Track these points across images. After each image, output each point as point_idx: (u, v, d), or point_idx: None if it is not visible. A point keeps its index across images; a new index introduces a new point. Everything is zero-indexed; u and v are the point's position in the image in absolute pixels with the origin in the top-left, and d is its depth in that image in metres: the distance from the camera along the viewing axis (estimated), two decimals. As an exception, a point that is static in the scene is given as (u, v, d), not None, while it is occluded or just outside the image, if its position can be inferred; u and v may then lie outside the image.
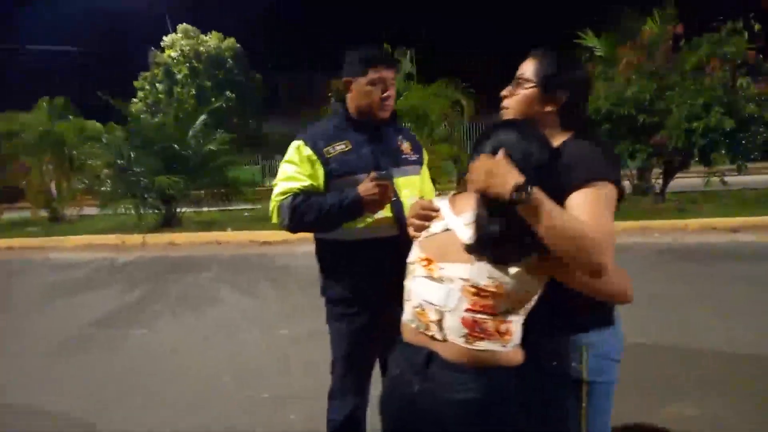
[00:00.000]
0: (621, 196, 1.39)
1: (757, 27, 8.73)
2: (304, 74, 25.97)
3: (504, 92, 1.57)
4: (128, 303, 5.88)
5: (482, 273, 1.26)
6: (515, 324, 1.30)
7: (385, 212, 2.00)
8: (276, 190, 2.05)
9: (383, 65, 2.02)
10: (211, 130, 11.55)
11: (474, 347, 1.27)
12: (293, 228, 2.02)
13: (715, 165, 9.31)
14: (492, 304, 1.26)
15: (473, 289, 1.27)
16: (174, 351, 4.34)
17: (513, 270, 1.25)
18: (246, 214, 12.19)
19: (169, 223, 10.95)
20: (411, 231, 1.48)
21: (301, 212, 1.96)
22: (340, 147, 2.03)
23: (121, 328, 4.98)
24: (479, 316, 1.26)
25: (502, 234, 1.25)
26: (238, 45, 23.44)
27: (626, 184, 10.77)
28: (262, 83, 24.52)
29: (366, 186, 1.90)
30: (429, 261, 1.36)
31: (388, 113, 2.08)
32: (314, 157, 2.02)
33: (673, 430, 2.73)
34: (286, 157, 2.08)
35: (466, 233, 1.32)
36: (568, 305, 1.39)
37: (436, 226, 1.39)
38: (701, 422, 2.82)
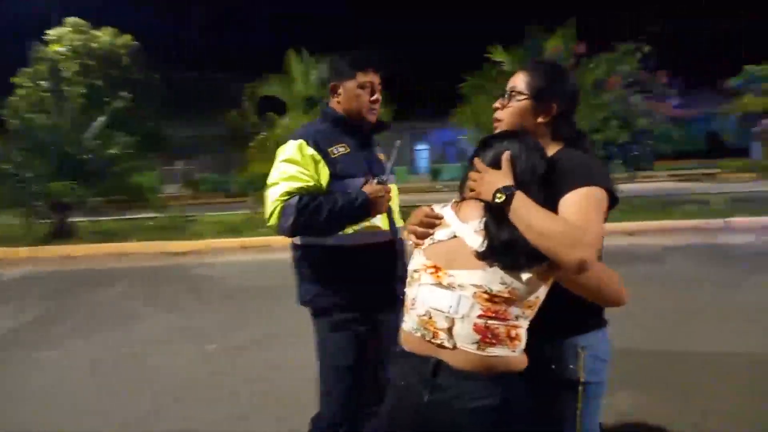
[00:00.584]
0: (613, 203, 1.43)
1: (647, 48, 9.64)
2: (208, 75, 24.85)
3: (496, 104, 1.59)
4: (25, 323, 5.19)
5: (495, 279, 1.26)
6: (523, 329, 1.31)
7: (382, 217, 2.01)
8: (278, 191, 1.88)
9: (372, 69, 2.03)
10: (111, 132, 10.64)
11: (485, 353, 1.27)
12: (296, 231, 1.89)
13: (611, 174, 10.12)
14: (505, 310, 1.27)
15: (486, 296, 1.27)
16: (93, 372, 3.89)
17: (525, 276, 1.27)
18: (150, 222, 11.38)
19: (61, 233, 9.91)
20: (413, 238, 1.46)
21: (310, 213, 1.84)
22: (341, 149, 2.00)
23: (25, 350, 4.37)
24: (492, 322, 1.27)
25: (513, 240, 1.26)
26: (136, 42, 21.91)
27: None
28: (161, 83, 23.04)
29: (374, 188, 1.91)
30: (437, 268, 1.34)
31: (375, 117, 2.09)
32: (318, 157, 1.95)
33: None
34: (285, 155, 1.94)
35: (476, 240, 1.32)
36: (565, 308, 1.40)
37: (440, 234, 1.38)
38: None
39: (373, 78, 2.03)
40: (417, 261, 1.40)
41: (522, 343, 1.32)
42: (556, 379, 1.45)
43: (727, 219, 9.14)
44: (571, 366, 1.45)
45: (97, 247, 9.21)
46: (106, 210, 10.86)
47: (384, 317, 1.99)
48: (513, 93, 1.54)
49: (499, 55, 11.41)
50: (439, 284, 1.32)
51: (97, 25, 21.68)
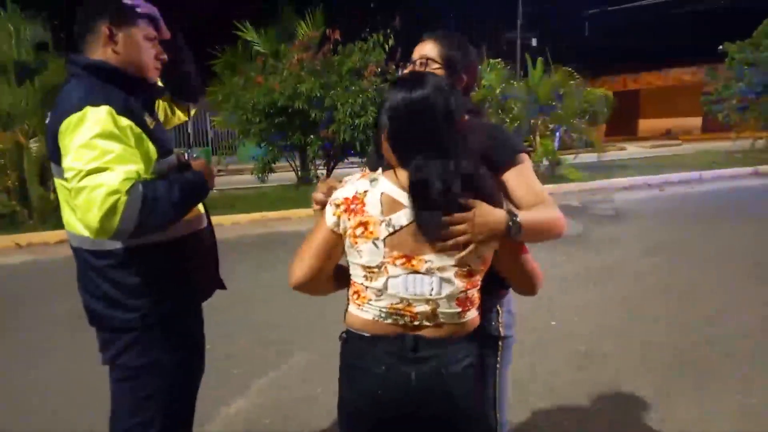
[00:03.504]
0: None
1: (391, 42, 10.39)
2: None
3: (407, 72, 1.56)
4: None
5: (472, 255, 1.27)
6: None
7: None
8: (111, 179, 1.33)
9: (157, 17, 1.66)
10: None
11: (462, 320, 1.34)
12: (139, 231, 1.36)
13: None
14: (479, 278, 1.34)
15: (466, 271, 1.30)
16: None
17: (494, 243, 1.31)
18: None
19: None
20: (315, 207, 1.42)
21: (154, 205, 1.38)
22: (149, 118, 1.56)
23: None
24: (470, 291, 1.33)
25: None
26: None
27: (291, 174, 11.55)
28: None
29: (202, 164, 1.63)
30: (407, 257, 1.28)
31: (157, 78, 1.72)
32: (137, 129, 1.46)
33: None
34: (96, 129, 1.37)
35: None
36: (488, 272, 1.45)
37: (397, 219, 1.26)
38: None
39: (156, 32, 1.62)
40: (376, 254, 1.28)
41: (477, 302, 1.39)
42: (482, 334, 1.48)
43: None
44: (494, 323, 1.60)
45: None
46: None
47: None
48: (426, 60, 1.55)
49: (250, 35, 11.10)
50: (416, 272, 1.28)
51: None
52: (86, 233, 1.46)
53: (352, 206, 1.27)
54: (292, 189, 10.66)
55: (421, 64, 1.56)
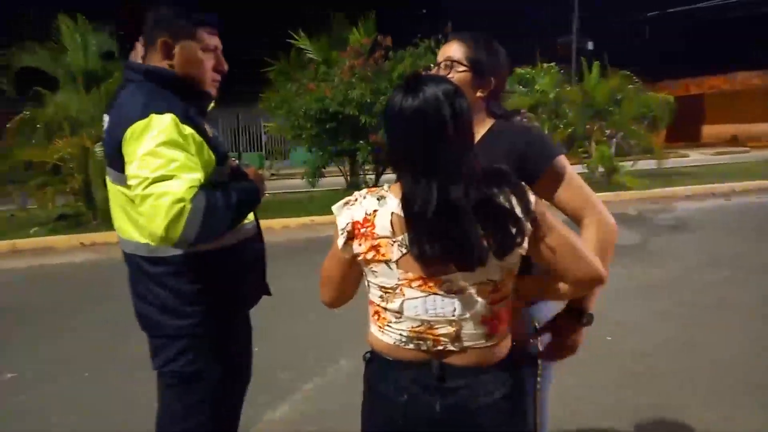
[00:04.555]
0: None
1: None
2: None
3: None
4: None
5: (494, 269, 1.17)
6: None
7: None
8: (176, 186, 1.34)
9: (216, 29, 1.66)
10: None
11: (492, 342, 1.23)
12: (200, 239, 1.37)
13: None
14: (506, 292, 1.24)
15: (491, 287, 1.20)
16: None
17: (515, 255, 1.19)
18: None
19: None
20: None
21: (214, 214, 1.39)
22: (207, 126, 1.57)
23: None
24: (496, 306, 1.23)
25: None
26: None
27: (341, 179, 11.66)
28: None
29: (254, 171, 1.66)
30: (424, 279, 1.18)
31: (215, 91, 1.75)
32: (198, 138, 1.48)
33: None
34: (162, 137, 1.39)
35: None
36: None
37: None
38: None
39: (218, 42, 1.62)
40: (390, 275, 1.20)
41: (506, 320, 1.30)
42: (517, 354, 1.38)
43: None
44: (531, 340, 1.48)
45: None
46: None
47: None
48: (452, 63, 1.47)
49: (303, 42, 11.32)
50: (435, 293, 1.18)
51: None
52: (142, 240, 1.50)
53: (363, 230, 1.19)
54: (342, 193, 10.75)
55: (445, 66, 1.48)
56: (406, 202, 1.13)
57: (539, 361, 1.49)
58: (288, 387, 3.17)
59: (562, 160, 1.43)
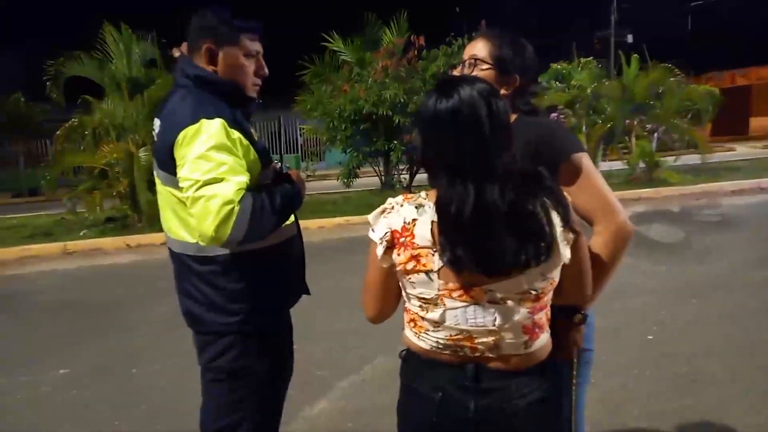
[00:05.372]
0: None
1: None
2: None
3: (456, 73, 1.51)
4: None
5: (536, 277, 1.16)
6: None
7: None
8: (226, 189, 1.41)
9: (258, 35, 1.73)
10: None
11: (532, 349, 1.22)
12: (247, 239, 1.46)
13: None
14: (548, 298, 1.23)
15: (532, 296, 1.18)
16: None
17: (556, 261, 1.17)
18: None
19: None
20: None
21: (261, 215, 1.46)
22: (253, 131, 1.66)
23: None
24: (537, 315, 1.21)
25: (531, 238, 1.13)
26: None
27: (375, 180, 11.71)
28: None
29: (296, 173, 1.70)
30: (465, 288, 1.16)
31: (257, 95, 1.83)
32: (245, 141, 1.56)
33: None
34: (213, 141, 1.46)
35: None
36: None
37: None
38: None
39: (259, 47, 1.69)
40: (430, 286, 1.17)
41: (548, 324, 1.29)
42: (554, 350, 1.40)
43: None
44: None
45: None
46: None
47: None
48: (476, 61, 1.48)
49: (337, 44, 11.40)
50: (477, 303, 1.17)
51: None
52: (191, 240, 1.57)
53: (402, 239, 1.16)
54: (376, 194, 10.81)
55: (470, 64, 1.48)
56: (441, 206, 1.12)
57: (575, 361, 1.47)
58: (325, 384, 3.22)
59: (579, 157, 1.40)
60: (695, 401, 2.85)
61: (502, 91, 1.46)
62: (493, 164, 1.10)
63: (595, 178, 1.40)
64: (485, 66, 1.46)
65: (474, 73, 1.45)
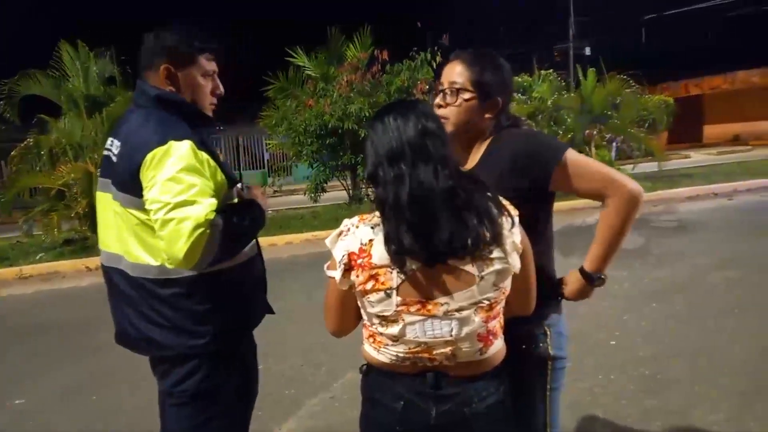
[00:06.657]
0: None
1: (439, 59, 10.42)
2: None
3: (438, 101, 1.50)
4: None
5: (488, 287, 1.21)
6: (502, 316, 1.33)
7: None
8: (196, 212, 1.39)
9: (214, 53, 1.71)
10: None
11: (485, 356, 1.27)
12: (216, 261, 1.45)
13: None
14: (499, 309, 1.28)
15: (485, 305, 1.23)
16: None
17: (503, 266, 1.22)
18: None
19: None
20: None
21: (231, 236, 1.47)
22: (218, 151, 1.67)
23: None
24: (491, 324, 1.26)
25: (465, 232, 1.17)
26: None
27: (343, 194, 11.68)
28: None
29: (258, 193, 1.71)
30: (422, 303, 1.20)
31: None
32: (212, 162, 1.54)
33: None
34: (182, 163, 1.44)
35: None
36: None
37: (408, 265, 1.17)
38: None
39: (215, 66, 1.67)
40: (388, 303, 1.20)
41: (501, 331, 1.33)
42: (527, 357, 1.48)
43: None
44: (541, 344, 1.51)
45: None
46: None
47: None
48: (457, 90, 1.47)
49: (300, 59, 11.37)
50: (434, 316, 1.20)
51: None
52: (153, 262, 1.52)
53: (359, 261, 1.18)
54: (344, 208, 10.78)
55: (451, 93, 1.47)
56: (381, 196, 1.16)
57: (549, 363, 1.50)
58: (294, 403, 3.17)
59: (568, 154, 1.43)
60: (660, 402, 2.91)
61: (487, 116, 1.49)
62: (427, 149, 1.16)
63: (587, 163, 1.45)
64: (467, 95, 1.46)
65: (457, 102, 1.46)
